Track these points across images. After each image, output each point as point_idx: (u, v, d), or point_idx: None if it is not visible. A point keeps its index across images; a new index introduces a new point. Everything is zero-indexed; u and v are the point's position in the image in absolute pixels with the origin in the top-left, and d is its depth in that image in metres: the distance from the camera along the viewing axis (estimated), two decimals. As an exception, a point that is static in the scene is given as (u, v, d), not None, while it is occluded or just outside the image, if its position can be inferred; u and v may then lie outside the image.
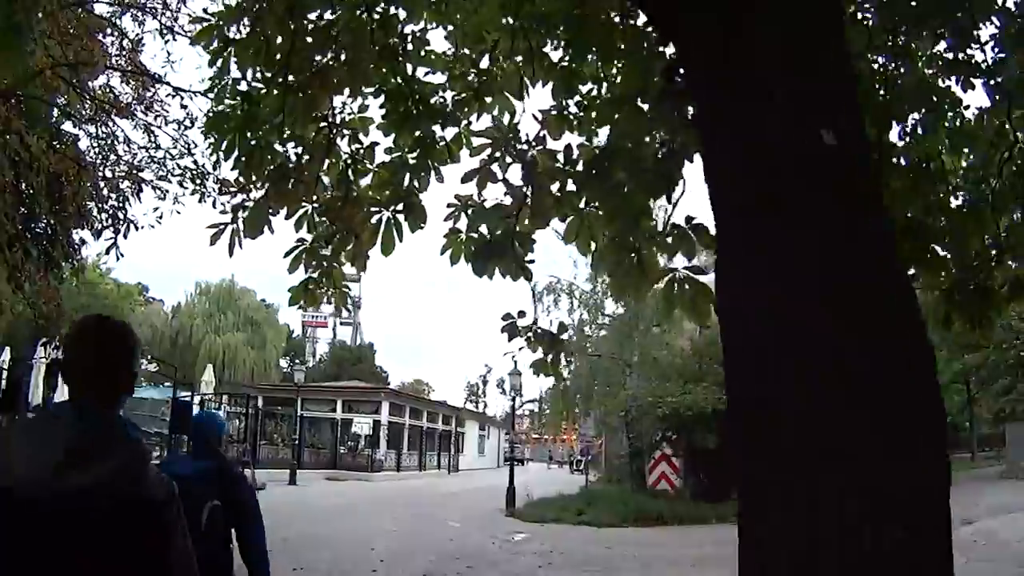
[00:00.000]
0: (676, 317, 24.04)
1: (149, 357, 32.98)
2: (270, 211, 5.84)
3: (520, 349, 5.99)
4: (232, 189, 6.35)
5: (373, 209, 5.88)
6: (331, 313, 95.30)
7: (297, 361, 68.33)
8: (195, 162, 15.43)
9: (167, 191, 15.78)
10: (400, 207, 5.85)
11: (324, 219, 6.05)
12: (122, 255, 15.62)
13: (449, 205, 5.75)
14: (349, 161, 6.04)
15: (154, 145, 15.92)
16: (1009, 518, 19.81)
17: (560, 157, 5.57)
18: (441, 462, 57.87)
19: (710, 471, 26.16)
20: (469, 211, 5.71)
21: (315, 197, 5.96)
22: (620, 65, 5.59)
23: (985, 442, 57.16)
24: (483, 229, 5.67)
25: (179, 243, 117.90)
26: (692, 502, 24.95)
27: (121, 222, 15.49)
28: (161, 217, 15.81)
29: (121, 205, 15.65)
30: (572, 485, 35.62)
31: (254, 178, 5.86)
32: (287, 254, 6.04)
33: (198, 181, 15.12)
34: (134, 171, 15.76)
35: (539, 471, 60.15)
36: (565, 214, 5.61)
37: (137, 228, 15.66)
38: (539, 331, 5.92)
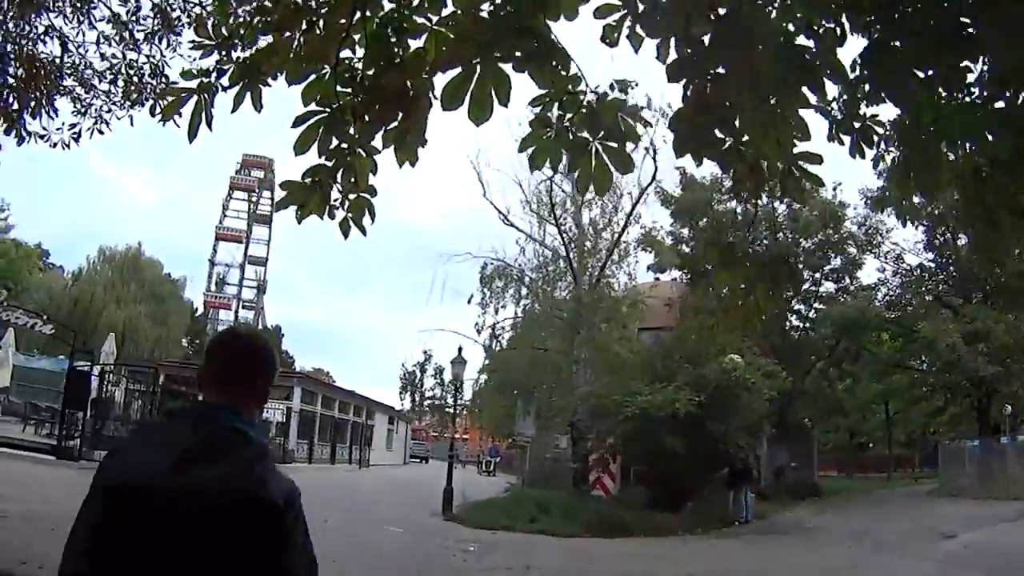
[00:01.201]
0: (624, 314, 21.13)
1: (45, 318, 28.52)
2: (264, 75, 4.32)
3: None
4: (207, 42, 4.57)
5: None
6: (235, 295, 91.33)
7: (199, 342, 63.53)
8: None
9: (89, 103, 11.71)
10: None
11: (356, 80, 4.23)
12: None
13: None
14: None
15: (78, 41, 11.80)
16: (995, 530, 20.18)
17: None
18: (353, 455, 54.07)
19: (667, 479, 23.98)
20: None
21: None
22: None
23: (900, 462, 57.28)
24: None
25: (87, 204, 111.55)
26: (646, 511, 22.69)
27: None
28: (78, 137, 11.61)
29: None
30: (494, 487, 33.24)
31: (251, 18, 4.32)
32: (296, 123, 4.30)
33: (138, 79, 11.14)
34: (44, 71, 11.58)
35: (431, 471, 56.53)
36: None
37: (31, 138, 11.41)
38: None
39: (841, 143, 4.64)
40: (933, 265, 42.80)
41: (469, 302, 27.50)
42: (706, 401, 22.66)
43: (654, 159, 25.94)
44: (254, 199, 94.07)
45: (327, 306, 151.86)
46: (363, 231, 4.97)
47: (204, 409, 2.44)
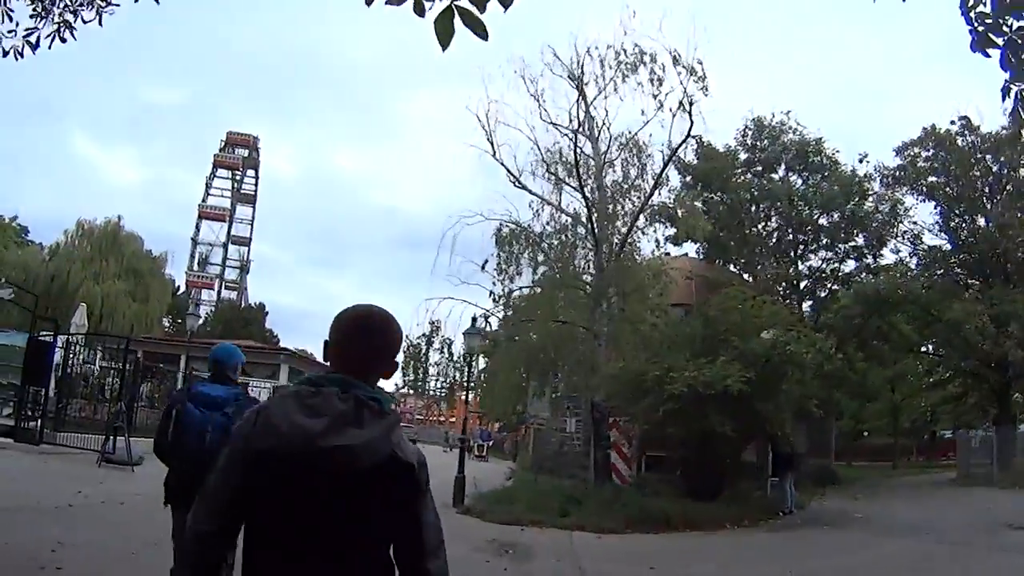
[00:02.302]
0: (652, 284, 17.74)
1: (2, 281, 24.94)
2: None
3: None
4: None
5: None
6: (217, 275, 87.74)
7: (181, 321, 59.59)
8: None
9: (50, 5, 8.23)
10: None
11: None
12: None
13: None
14: None
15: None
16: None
17: None
18: (339, 439, 50.97)
19: (704, 464, 21.37)
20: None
21: None
22: None
23: (900, 451, 54.76)
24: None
25: (70, 184, 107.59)
26: (680, 501, 19.62)
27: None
28: (37, 45, 8.10)
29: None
30: (495, 475, 30.49)
31: None
32: None
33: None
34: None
35: (435, 455, 53.29)
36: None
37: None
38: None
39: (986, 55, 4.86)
40: (950, 246, 40.11)
41: (483, 267, 24.06)
42: (755, 378, 19.40)
43: (690, 114, 22.41)
44: (238, 177, 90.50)
45: (310, 289, 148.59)
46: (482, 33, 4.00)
47: (344, 382, 2.45)
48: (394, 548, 2.53)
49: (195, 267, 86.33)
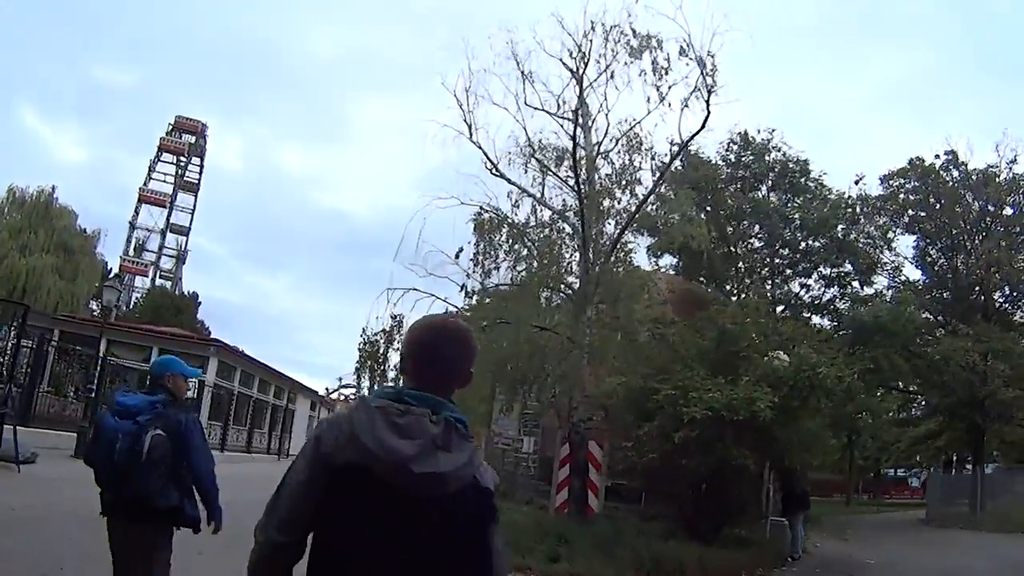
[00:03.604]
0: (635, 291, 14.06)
1: None
2: None
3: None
4: None
5: None
6: (153, 262, 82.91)
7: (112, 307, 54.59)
8: None
9: None
10: None
11: None
12: None
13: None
14: None
15: None
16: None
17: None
18: (272, 443, 45.85)
19: (711, 500, 17.62)
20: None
21: None
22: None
23: (837, 488, 52.43)
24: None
25: (18, 162, 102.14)
26: (684, 542, 15.84)
27: None
28: None
29: None
30: None
31: None
32: None
33: None
34: None
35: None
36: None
37: None
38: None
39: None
40: (926, 280, 38.24)
41: (457, 256, 20.37)
42: (778, 404, 16.01)
43: (707, 103, 18.84)
44: (182, 164, 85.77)
45: (245, 286, 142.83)
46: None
47: (434, 401, 2.38)
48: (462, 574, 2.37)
49: (131, 252, 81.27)
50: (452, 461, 2.27)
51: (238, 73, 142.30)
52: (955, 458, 42.55)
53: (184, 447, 5.28)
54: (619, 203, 21.06)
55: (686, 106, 19.15)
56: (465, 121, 20.16)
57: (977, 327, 33.94)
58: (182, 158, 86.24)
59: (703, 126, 19.30)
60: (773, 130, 35.90)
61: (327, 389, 61.27)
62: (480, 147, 20.37)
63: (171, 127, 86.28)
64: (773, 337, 18.88)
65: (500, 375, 21.35)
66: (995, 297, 38.35)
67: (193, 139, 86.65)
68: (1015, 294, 38.37)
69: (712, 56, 18.68)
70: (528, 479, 26.27)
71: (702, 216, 27.66)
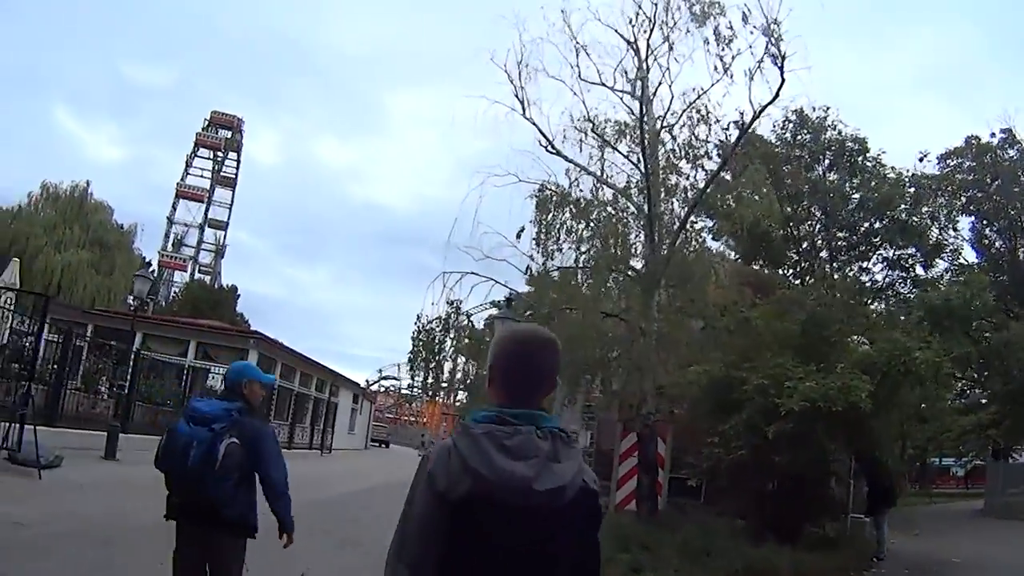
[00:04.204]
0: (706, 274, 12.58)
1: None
2: None
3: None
4: None
5: None
6: (191, 256, 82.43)
7: (153, 298, 53.28)
8: None
9: None
10: None
11: None
12: None
13: None
14: None
15: None
16: None
17: None
18: (313, 438, 44.52)
19: (793, 497, 15.83)
20: None
21: None
22: None
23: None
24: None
25: (51, 160, 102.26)
26: (765, 543, 14.21)
27: None
28: None
29: None
30: None
31: None
32: None
33: None
34: None
35: (407, 460, 47.14)
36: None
37: None
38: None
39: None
40: (982, 262, 36.47)
41: (519, 236, 18.86)
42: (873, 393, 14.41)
43: (781, 70, 17.05)
44: (219, 159, 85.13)
45: (284, 279, 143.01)
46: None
47: (535, 416, 2.40)
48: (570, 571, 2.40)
49: (169, 247, 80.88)
50: (566, 471, 2.30)
51: (272, 68, 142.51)
52: (1002, 448, 40.73)
53: (259, 457, 5.26)
54: (686, 179, 19.54)
55: (754, 75, 17.38)
56: (517, 96, 18.72)
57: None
58: (219, 153, 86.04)
59: (777, 94, 17.46)
60: (828, 108, 33.84)
61: (367, 381, 60.26)
62: (534, 123, 18.89)
63: (207, 123, 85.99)
64: (860, 320, 17.15)
65: (564, 365, 19.74)
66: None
67: (229, 134, 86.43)
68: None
69: (778, 24, 17.06)
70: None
71: (771, 195, 25.99)
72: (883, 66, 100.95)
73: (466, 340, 20.29)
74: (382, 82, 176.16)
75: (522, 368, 2.49)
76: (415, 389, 21.98)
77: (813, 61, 17.31)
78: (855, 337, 17.51)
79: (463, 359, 20.31)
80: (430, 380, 20.18)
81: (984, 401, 35.74)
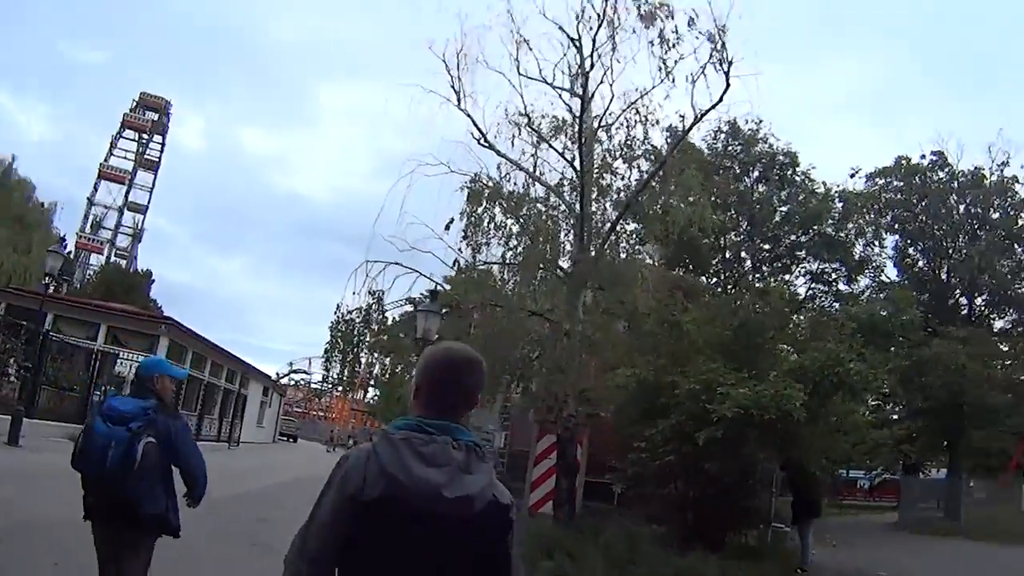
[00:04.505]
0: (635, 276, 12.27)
1: None
2: None
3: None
4: None
5: None
6: (109, 240, 79.97)
7: (67, 279, 50.93)
8: None
9: None
10: None
11: None
12: None
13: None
14: None
15: None
16: None
17: None
18: (222, 430, 42.96)
19: (718, 505, 15.44)
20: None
21: None
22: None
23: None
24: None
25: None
26: (672, 549, 13.90)
27: None
28: None
29: None
30: None
31: None
32: None
33: None
34: None
35: (317, 456, 46.25)
36: None
37: None
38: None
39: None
40: (905, 281, 37.01)
41: (448, 228, 18.10)
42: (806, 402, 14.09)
43: (727, 75, 16.69)
44: (144, 141, 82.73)
45: (200, 267, 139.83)
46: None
47: (452, 428, 2.48)
48: None
49: (87, 229, 78.21)
50: (476, 483, 2.40)
51: (204, 54, 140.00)
52: (913, 463, 41.57)
53: (176, 452, 5.31)
54: (621, 179, 19.03)
55: (697, 80, 17.20)
56: (453, 87, 18.06)
57: (963, 330, 32.97)
58: (144, 135, 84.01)
59: (720, 99, 17.17)
60: (761, 121, 33.99)
61: (278, 374, 58.76)
62: (469, 115, 18.25)
63: (135, 103, 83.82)
64: (792, 329, 16.96)
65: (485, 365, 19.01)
66: (977, 302, 37.81)
67: (156, 117, 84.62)
68: (996, 299, 37.46)
69: (724, 31, 16.76)
70: (498, 475, 23.79)
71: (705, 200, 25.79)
72: (817, 87, 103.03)
73: (384, 337, 19.48)
74: (314, 72, 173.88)
75: (448, 387, 2.58)
76: (328, 384, 21.12)
77: (752, 73, 16.88)
78: (784, 346, 17.21)
79: (378, 354, 19.44)
80: (346, 374, 19.25)
81: (895, 417, 36.21)
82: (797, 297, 34.00)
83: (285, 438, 66.96)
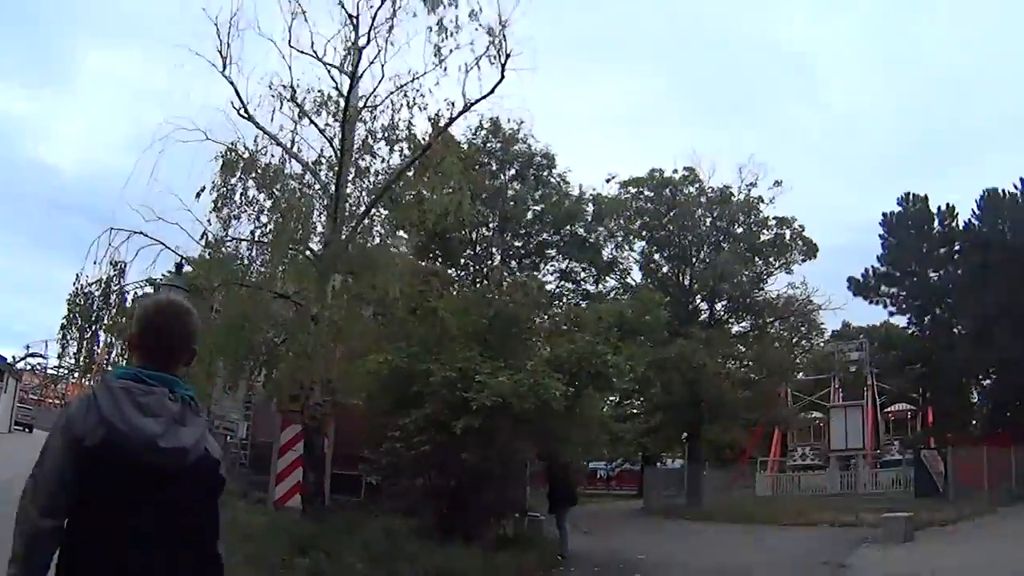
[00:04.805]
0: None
1: None
2: None
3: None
4: None
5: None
6: None
7: None
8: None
9: None
10: None
11: None
12: None
13: None
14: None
15: None
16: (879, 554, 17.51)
17: None
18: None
19: (475, 495, 15.11)
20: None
21: None
22: None
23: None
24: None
25: None
26: (432, 542, 13.41)
27: None
28: None
29: None
30: None
31: None
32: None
33: None
34: None
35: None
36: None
37: None
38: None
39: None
40: (650, 284, 38.52)
41: (198, 196, 16.41)
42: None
43: (503, 67, 16.24)
44: None
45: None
46: None
47: (170, 380, 2.53)
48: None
49: None
50: (190, 435, 2.45)
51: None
52: (650, 454, 43.68)
53: None
54: (381, 162, 18.14)
55: (471, 70, 16.56)
56: (219, 52, 16.58)
57: (704, 332, 34.80)
58: None
59: (492, 90, 16.67)
60: (522, 122, 34.16)
61: (13, 358, 53.79)
62: (232, 83, 16.80)
63: None
64: (555, 320, 16.75)
65: (227, 347, 17.52)
66: (717, 307, 39.76)
67: None
68: (735, 306, 39.60)
69: (505, 25, 16.35)
70: (240, 468, 22.30)
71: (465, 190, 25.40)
72: (583, 102, 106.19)
73: (122, 319, 17.55)
74: (66, 34, 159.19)
75: (160, 335, 2.62)
76: (62, 368, 18.85)
77: (529, 68, 16.60)
78: (537, 340, 17.04)
79: (115, 337, 17.49)
80: (83, 355, 17.17)
81: (635, 412, 37.66)
82: (549, 293, 34.68)
83: (21, 428, 61.30)
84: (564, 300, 36.32)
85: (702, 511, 30.94)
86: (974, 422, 41.19)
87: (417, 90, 17.45)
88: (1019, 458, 30.50)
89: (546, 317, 17.91)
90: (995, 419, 38.40)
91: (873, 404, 48.20)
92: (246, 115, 17.05)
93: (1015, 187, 38.54)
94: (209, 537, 2.56)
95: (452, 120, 18.15)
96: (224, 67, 16.56)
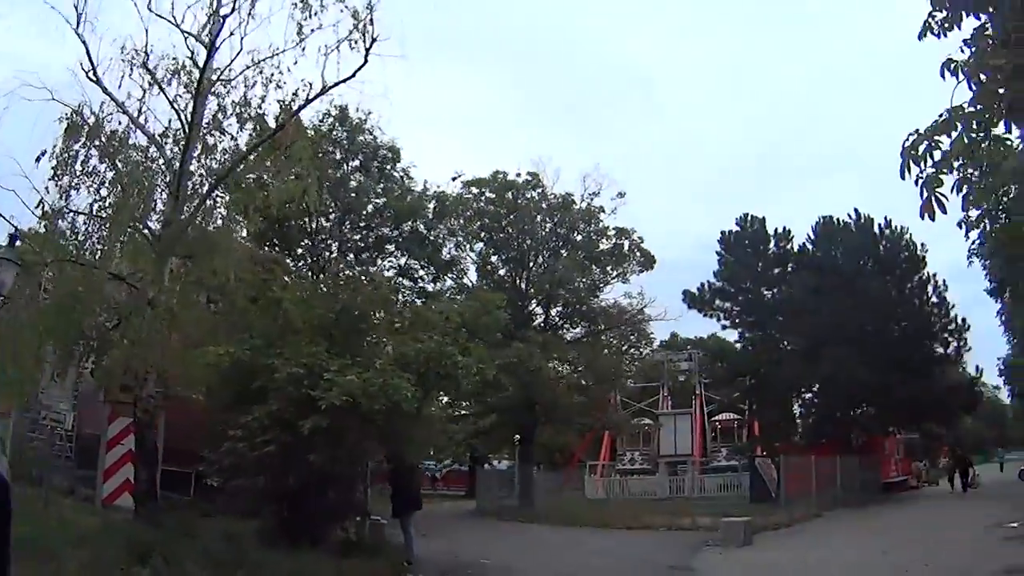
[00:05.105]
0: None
1: None
2: None
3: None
4: None
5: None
6: None
7: None
8: None
9: None
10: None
11: None
12: None
13: None
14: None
15: None
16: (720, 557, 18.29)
17: None
18: None
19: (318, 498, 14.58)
20: None
21: None
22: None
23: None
24: None
25: None
26: (276, 547, 12.89)
27: None
28: None
29: None
30: None
31: None
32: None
33: None
34: None
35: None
36: None
37: None
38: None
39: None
40: (487, 286, 38.47)
41: (38, 160, 14.92)
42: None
43: (367, 52, 15.70)
44: None
45: None
46: None
47: None
48: None
49: None
50: None
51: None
52: (479, 456, 43.69)
53: None
54: (232, 140, 17.09)
55: (331, 53, 15.90)
56: (76, 7, 15.32)
57: (540, 336, 35.14)
58: None
59: (354, 74, 16.02)
60: (370, 112, 33.53)
61: None
62: (84, 42, 15.58)
63: None
64: (403, 318, 16.44)
65: (56, 330, 15.99)
66: (552, 313, 40.14)
67: None
68: (571, 311, 40.09)
69: (372, 8, 15.79)
70: (66, 461, 20.48)
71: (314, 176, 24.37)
72: (429, 99, 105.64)
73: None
74: None
75: None
76: None
77: (396, 56, 16.10)
78: (383, 338, 16.57)
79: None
80: None
81: (464, 412, 37.55)
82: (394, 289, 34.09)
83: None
84: (402, 297, 35.84)
85: (535, 513, 31.34)
86: (798, 433, 43.32)
87: (276, 67, 16.64)
88: (843, 466, 33.18)
89: (391, 315, 17.25)
90: (819, 430, 40.68)
91: (701, 412, 50.64)
92: (94, 78, 15.95)
93: (849, 217, 40.69)
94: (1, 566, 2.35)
95: (308, 102, 17.37)
96: (78, 24, 15.42)
